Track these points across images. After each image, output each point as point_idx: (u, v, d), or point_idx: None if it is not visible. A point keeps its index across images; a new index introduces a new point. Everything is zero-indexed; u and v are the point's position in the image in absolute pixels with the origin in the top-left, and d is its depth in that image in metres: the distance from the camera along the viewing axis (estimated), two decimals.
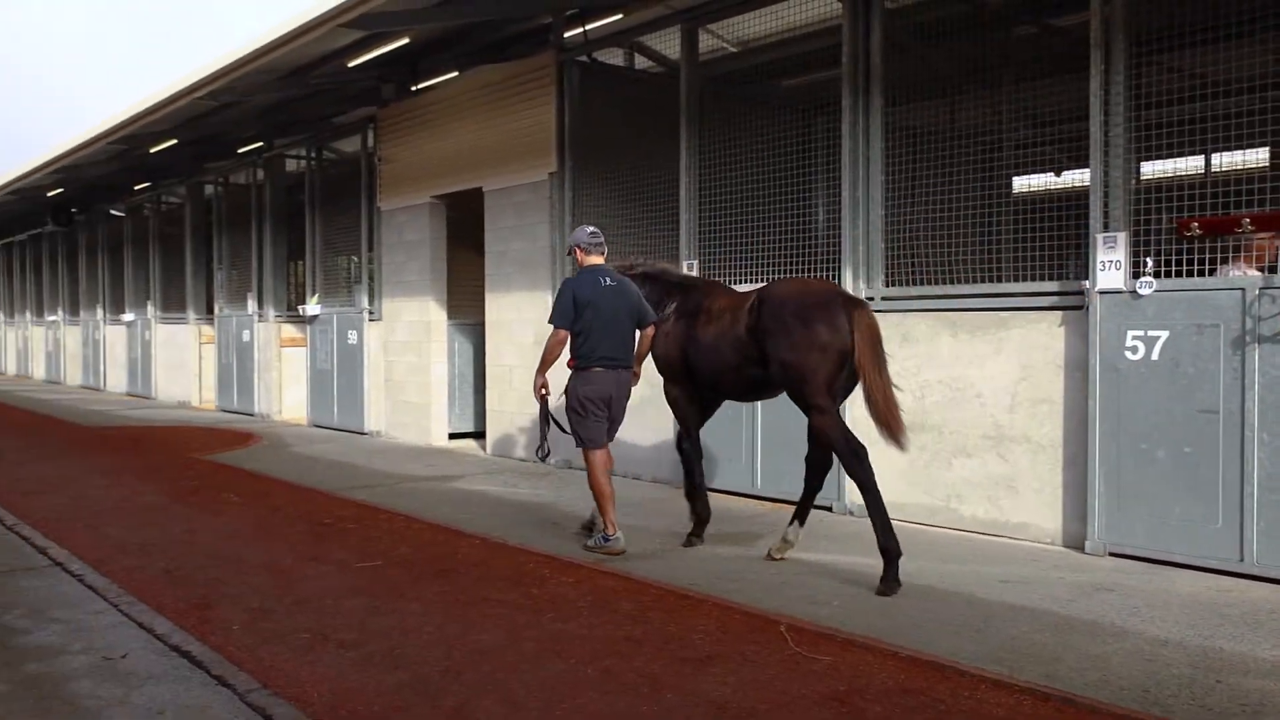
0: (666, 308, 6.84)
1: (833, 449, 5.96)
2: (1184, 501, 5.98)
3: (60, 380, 25.15)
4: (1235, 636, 4.77)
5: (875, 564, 6.09)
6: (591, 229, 6.94)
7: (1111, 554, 6.28)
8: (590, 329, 6.54)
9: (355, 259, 14.42)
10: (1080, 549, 6.41)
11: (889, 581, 5.55)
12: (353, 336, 13.59)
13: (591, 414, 6.59)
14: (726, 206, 8.66)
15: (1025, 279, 6.85)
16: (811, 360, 5.78)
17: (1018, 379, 6.82)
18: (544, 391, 6.78)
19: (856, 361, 5.73)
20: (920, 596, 5.47)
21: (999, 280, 7.00)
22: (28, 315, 28.10)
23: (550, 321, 6.68)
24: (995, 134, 7.33)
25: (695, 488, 6.80)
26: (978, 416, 7.03)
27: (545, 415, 6.86)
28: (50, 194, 22.13)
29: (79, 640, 4.71)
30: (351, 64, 11.20)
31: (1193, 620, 5.01)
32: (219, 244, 17.40)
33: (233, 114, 13.97)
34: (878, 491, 5.69)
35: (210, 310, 18.11)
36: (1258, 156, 7.29)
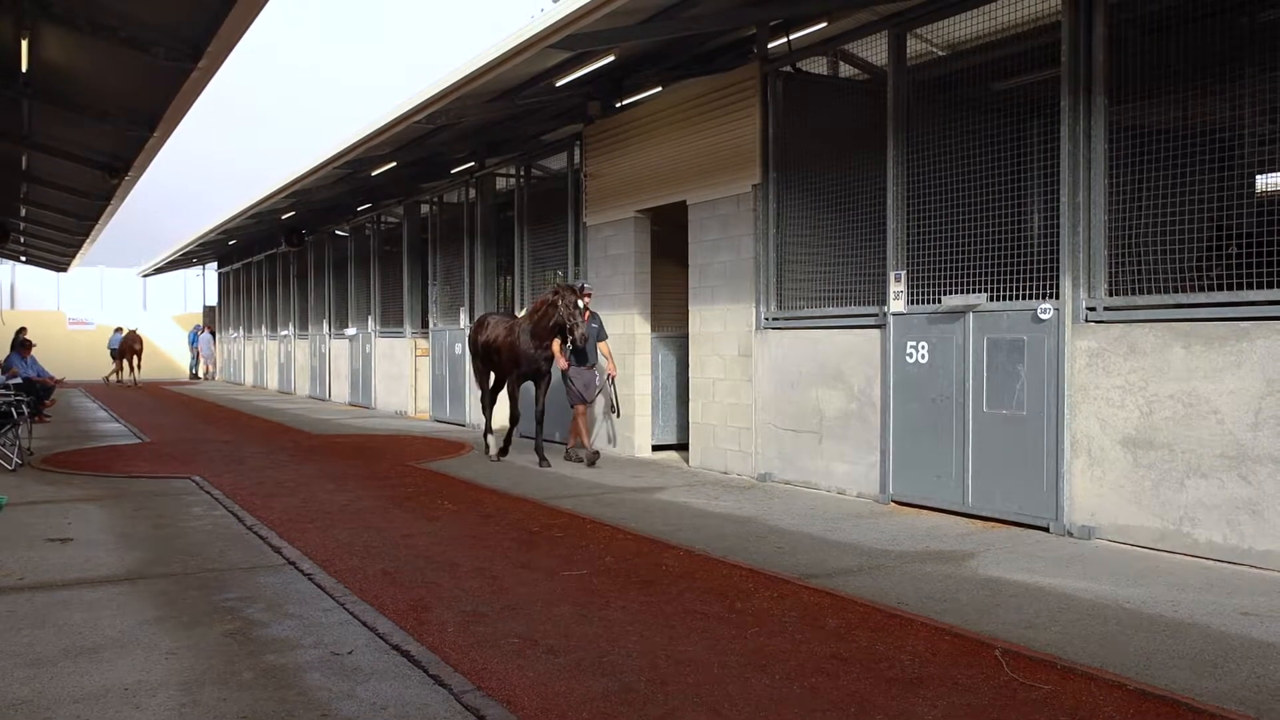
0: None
1: None
2: None
3: (291, 391, 26.96)
4: None
5: (1098, 589, 5.76)
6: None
7: None
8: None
9: (561, 273, 14.81)
10: None
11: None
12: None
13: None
14: (935, 215, 8.40)
15: (1269, 286, 6.32)
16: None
17: (1262, 394, 6.29)
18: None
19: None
20: (1149, 626, 5.11)
21: (1239, 288, 6.48)
22: (263, 330, 30.31)
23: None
24: (1234, 129, 6.80)
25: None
26: (1214, 434, 6.53)
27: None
28: (284, 217, 23.82)
29: (310, 635, 5.01)
30: (559, 83, 11.54)
31: None
32: (433, 260, 18.22)
33: (447, 136, 14.65)
34: None
35: (425, 324, 19.00)
36: None
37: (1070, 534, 7.27)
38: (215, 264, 38.53)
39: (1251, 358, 6.34)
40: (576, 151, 13.63)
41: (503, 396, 12.64)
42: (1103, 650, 4.73)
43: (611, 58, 10.64)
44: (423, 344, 18.98)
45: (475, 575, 6.29)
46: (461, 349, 16.79)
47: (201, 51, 8.74)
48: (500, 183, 16.72)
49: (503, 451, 12.19)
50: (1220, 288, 6.61)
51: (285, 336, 27.75)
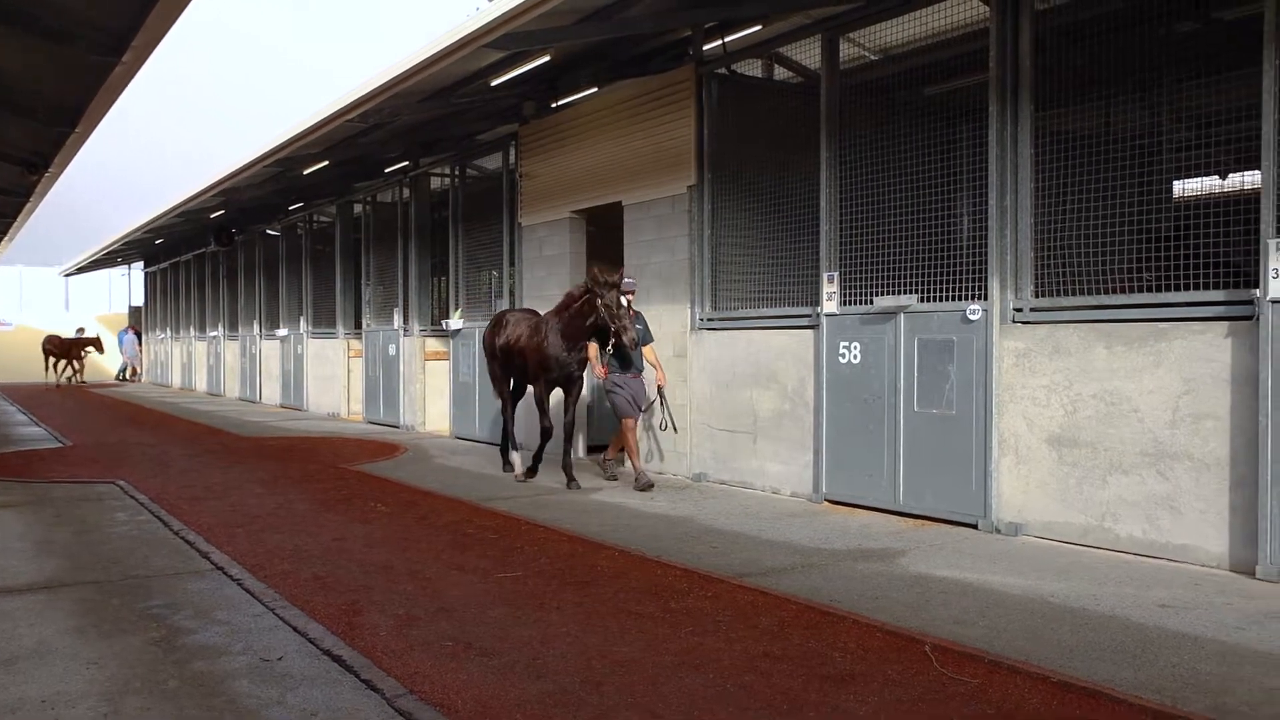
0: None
1: None
2: None
3: (220, 393, 26.47)
4: None
5: (1024, 584, 5.90)
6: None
7: None
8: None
9: (496, 274, 14.74)
10: (1250, 574, 6.04)
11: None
12: None
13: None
14: (868, 216, 8.51)
15: (1186, 288, 6.51)
16: None
17: (1179, 393, 6.48)
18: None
19: None
20: (1073, 620, 5.24)
21: (1158, 290, 6.66)
22: (191, 331, 29.70)
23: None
24: (1154, 136, 6.99)
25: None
26: (1135, 433, 6.70)
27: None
28: (213, 216, 23.36)
29: (239, 641, 4.92)
30: (494, 83, 11.47)
31: None
32: (367, 261, 18.02)
33: (380, 135, 14.47)
34: None
35: (358, 325, 18.78)
36: None
37: (998, 531, 7.41)
38: (141, 263, 37.65)
39: (1170, 358, 6.53)
40: (512, 151, 13.57)
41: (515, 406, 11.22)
42: (1028, 644, 4.83)
43: (547, 58, 10.60)
44: (356, 345, 18.76)
45: (409, 578, 6.23)
46: (395, 350, 16.63)
47: (126, 45, 8.53)
48: (435, 182, 16.58)
49: (531, 471, 10.49)
50: (1141, 290, 6.79)
51: (214, 337, 27.24)
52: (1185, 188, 7.87)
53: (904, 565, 6.51)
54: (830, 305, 8.76)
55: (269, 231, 23.08)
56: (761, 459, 9.62)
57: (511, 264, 13.75)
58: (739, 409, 9.88)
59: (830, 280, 8.76)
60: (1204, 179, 7.83)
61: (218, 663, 4.60)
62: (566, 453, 10.11)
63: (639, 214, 11.16)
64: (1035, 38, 7.32)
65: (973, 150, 7.85)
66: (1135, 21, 7.10)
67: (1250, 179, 6.48)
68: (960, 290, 7.76)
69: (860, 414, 8.51)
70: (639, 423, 10.33)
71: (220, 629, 5.13)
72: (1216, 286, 6.38)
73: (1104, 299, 6.92)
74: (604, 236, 12.40)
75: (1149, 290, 6.72)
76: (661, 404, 10.14)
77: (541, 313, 10.64)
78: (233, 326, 25.85)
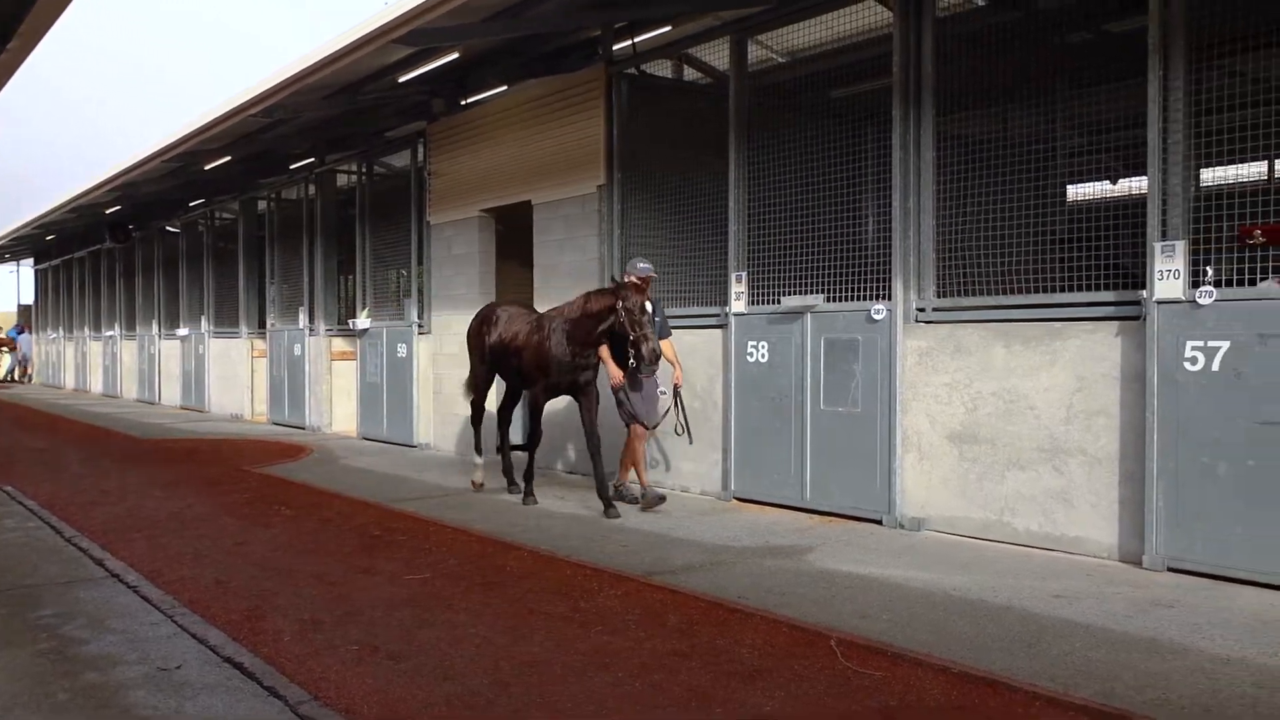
0: None
1: None
2: (1247, 516, 5.82)
3: (117, 394, 25.63)
4: None
5: (927, 578, 6.04)
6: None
7: (1170, 569, 6.13)
8: None
9: (405, 273, 14.55)
10: (1138, 564, 6.27)
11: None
12: (402, 350, 13.70)
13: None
14: (776, 217, 8.61)
15: (1080, 289, 6.73)
16: None
17: (1073, 390, 6.70)
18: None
19: None
20: (972, 612, 5.38)
21: (1053, 290, 6.88)
22: (86, 331, 28.69)
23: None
24: (1049, 142, 7.22)
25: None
26: (1032, 429, 6.91)
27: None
28: (108, 211, 22.61)
29: (135, 650, 4.77)
30: (402, 79, 11.32)
31: (1257, 637, 4.88)
32: (271, 259, 17.65)
33: (285, 130, 14.18)
34: None
35: (262, 324, 18.37)
36: None
37: (902, 526, 7.57)
38: (32, 260, 36.24)
39: (1064, 356, 6.74)
40: (420, 149, 13.41)
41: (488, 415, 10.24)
42: (930, 636, 4.94)
43: (456, 55, 10.51)
44: (260, 345, 18.34)
45: (314, 582, 6.11)
46: (301, 350, 16.31)
47: (11, 33, 8.22)
48: (342, 179, 16.30)
49: (527, 494, 9.05)
50: (1037, 290, 7.00)
51: (110, 337, 26.35)
52: (1079, 192, 8.15)
53: (811, 561, 6.61)
54: (738, 305, 8.85)
55: (169, 228, 22.43)
56: (672, 457, 9.67)
57: (420, 263, 13.59)
58: None
59: (738, 280, 8.85)
60: (1096, 184, 8.12)
61: (112, 673, 4.45)
62: (598, 474, 8.49)
63: (549, 213, 11.12)
64: (937, 44, 7.49)
65: (877, 153, 8.00)
66: (1031, 31, 7.33)
67: (1138, 184, 6.73)
68: (866, 290, 7.90)
69: (768, 412, 8.61)
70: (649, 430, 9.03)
71: (115, 638, 4.97)
72: (1108, 288, 6.61)
73: (1002, 299, 7.12)
74: (513, 236, 12.32)
75: (1045, 291, 6.93)
76: (676, 406, 8.83)
77: (538, 309, 9.81)
78: (130, 326, 25.05)
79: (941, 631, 5.03)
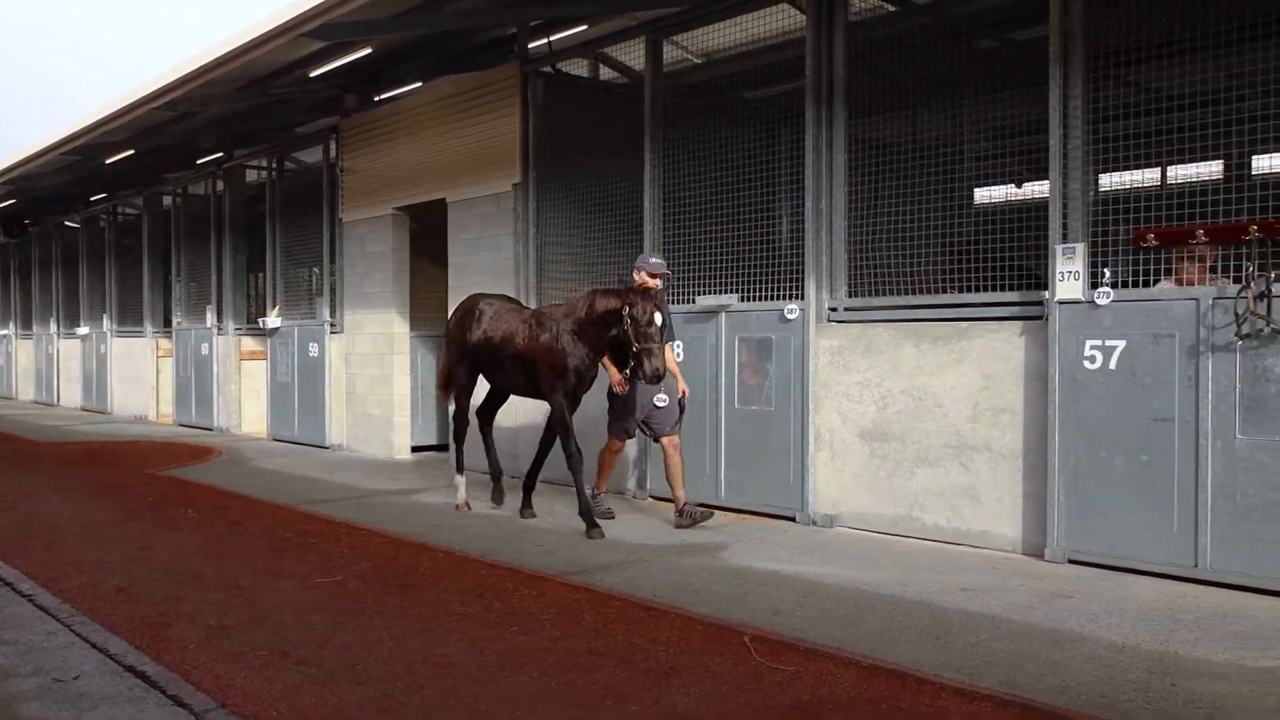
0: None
1: None
2: (1141, 508, 6.04)
3: (11, 395, 24.72)
4: (1190, 641, 4.82)
5: (839, 573, 6.14)
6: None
7: (1071, 561, 6.33)
8: None
9: (317, 271, 14.30)
10: (1040, 556, 6.46)
11: None
12: (314, 349, 13.46)
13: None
14: (691, 218, 8.67)
15: (986, 289, 6.91)
16: None
17: (979, 388, 6.88)
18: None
19: None
20: (883, 606, 5.48)
21: (961, 291, 7.05)
22: None
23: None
24: (957, 146, 7.40)
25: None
26: (940, 426, 7.07)
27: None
28: (2, 205, 21.78)
29: (29, 662, 4.60)
30: (313, 74, 11.12)
31: (1149, 625, 5.07)
32: (177, 256, 17.20)
33: (191, 124, 13.81)
34: None
35: (168, 323, 17.88)
36: (1211, 169, 7.44)
37: (815, 523, 7.69)
38: None
39: (971, 355, 6.92)
40: (333, 145, 13.19)
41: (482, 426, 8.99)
42: (842, 631, 5.03)
43: (369, 50, 10.35)
44: (165, 344, 17.84)
45: (221, 586, 5.97)
46: (209, 350, 15.92)
47: None
48: (251, 175, 15.94)
49: (526, 505, 8.27)
50: (945, 291, 7.17)
51: (4, 336, 25.40)
52: (986, 195, 8.37)
53: (725, 559, 6.67)
54: None
55: (68, 223, 21.69)
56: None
57: (333, 261, 13.37)
58: None
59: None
60: (1002, 187, 8.35)
61: (3, 687, 4.28)
62: (581, 490, 7.70)
63: (464, 211, 11.04)
64: (849, 48, 7.62)
65: (791, 154, 8.11)
66: (940, 37, 7.50)
67: (1041, 189, 6.94)
68: (779, 290, 8.00)
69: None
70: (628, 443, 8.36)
71: (7, 649, 4.79)
72: (1012, 288, 6.80)
73: (912, 299, 7.28)
74: (428, 234, 12.19)
75: (953, 291, 7.10)
76: (681, 420, 8.01)
77: (527, 304, 9.03)
78: (26, 324, 24.18)
79: (853, 626, 5.12)
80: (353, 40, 9.93)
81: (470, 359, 8.53)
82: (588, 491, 7.78)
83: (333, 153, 13.20)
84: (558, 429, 7.89)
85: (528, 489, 8.40)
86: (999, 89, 7.47)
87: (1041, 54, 6.53)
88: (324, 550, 6.98)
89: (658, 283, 7.74)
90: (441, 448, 12.35)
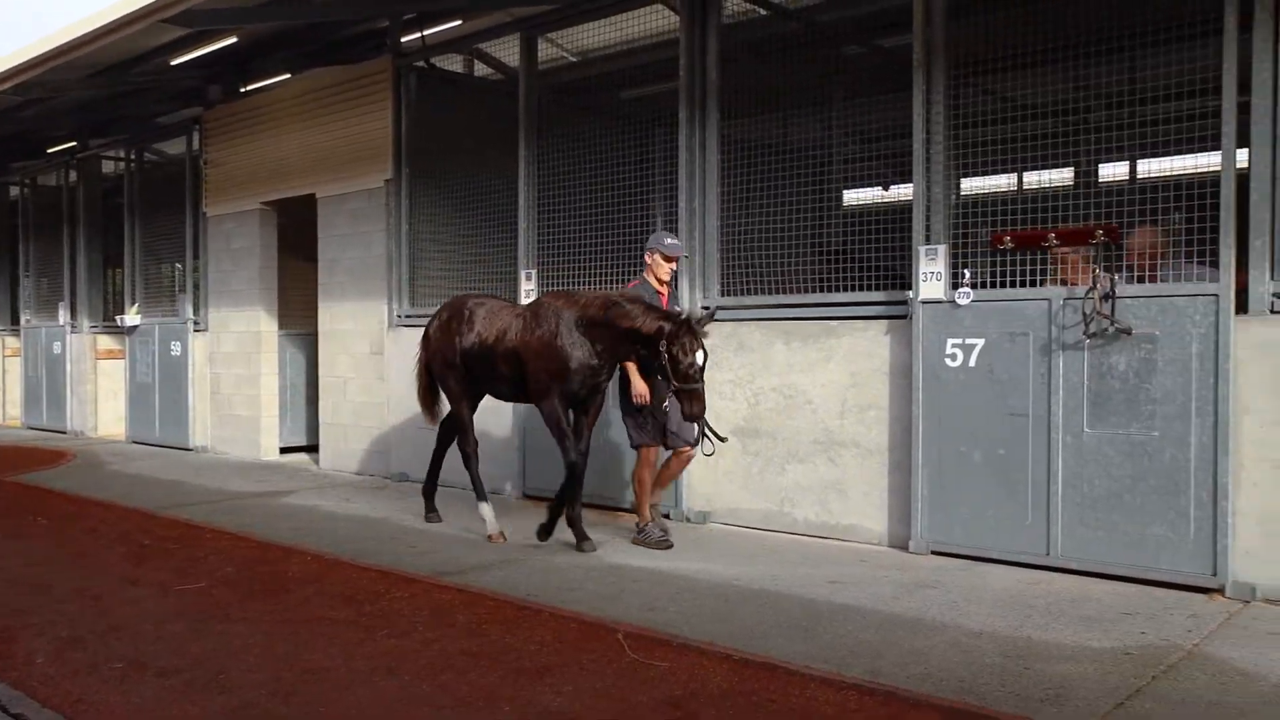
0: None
1: None
2: (998, 500, 6.30)
3: None
4: (1041, 625, 5.05)
5: (712, 569, 6.22)
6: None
7: (934, 552, 6.56)
8: None
9: (179, 267, 13.76)
10: (905, 548, 6.67)
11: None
12: (176, 348, 12.97)
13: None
14: (565, 216, 8.66)
15: (854, 289, 7.10)
16: None
17: (847, 386, 7.06)
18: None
19: None
20: (755, 600, 5.58)
21: (830, 290, 7.23)
22: None
23: None
24: (826, 149, 7.58)
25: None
26: (809, 423, 7.24)
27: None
28: None
29: None
30: (175, 62, 10.71)
31: (1004, 612, 5.29)
32: (25, 249, 16.33)
33: (42, 110, 13.14)
34: None
35: (16, 321, 16.98)
36: (1063, 175, 7.80)
37: (689, 519, 7.77)
38: None
39: (839, 353, 7.10)
40: (196, 137, 12.73)
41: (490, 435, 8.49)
42: (715, 625, 5.10)
43: (234, 39, 10.03)
44: (13, 343, 16.93)
45: (74, 597, 5.70)
46: (61, 348, 15.17)
47: None
48: (109, 166, 15.26)
49: (546, 530, 6.98)
50: (814, 290, 7.34)
51: None
52: (854, 197, 8.60)
53: (601, 557, 6.68)
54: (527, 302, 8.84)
55: None
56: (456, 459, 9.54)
57: (196, 256, 12.90)
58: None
59: (528, 278, 8.85)
60: (869, 190, 8.59)
61: None
62: (576, 499, 6.89)
63: (334, 207, 10.80)
64: (722, 50, 7.72)
65: (665, 154, 8.18)
66: (810, 42, 7.67)
67: (906, 191, 7.17)
68: None
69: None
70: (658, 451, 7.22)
71: None
72: (878, 288, 7.00)
73: (783, 298, 7.43)
74: (297, 229, 11.87)
75: (822, 291, 7.27)
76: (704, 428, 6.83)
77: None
78: None
79: (726, 620, 5.20)
80: (216, 29, 9.60)
81: (462, 366, 7.45)
82: (655, 531, 6.96)
83: (196, 144, 12.74)
84: (552, 433, 6.94)
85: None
86: (867, 94, 7.69)
87: (906, 61, 6.74)
88: (186, 556, 6.74)
89: (673, 266, 7.10)
90: (311, 449, 12.04)
